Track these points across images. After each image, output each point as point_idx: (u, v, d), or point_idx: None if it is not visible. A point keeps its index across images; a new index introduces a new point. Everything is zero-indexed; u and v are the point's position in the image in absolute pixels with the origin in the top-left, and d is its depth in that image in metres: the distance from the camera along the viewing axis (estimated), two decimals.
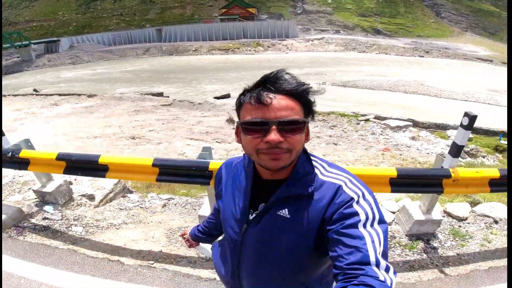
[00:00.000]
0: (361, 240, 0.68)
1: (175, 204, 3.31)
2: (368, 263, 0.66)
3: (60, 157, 2.63)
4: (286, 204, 0.82)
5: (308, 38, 44.06)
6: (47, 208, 3.22)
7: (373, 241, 0.68)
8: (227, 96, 14.75)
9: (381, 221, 0.73)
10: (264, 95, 0.73)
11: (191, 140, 8.48)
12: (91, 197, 3.42)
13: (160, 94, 14.81)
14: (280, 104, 0.73)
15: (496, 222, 3.05)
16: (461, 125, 2.48)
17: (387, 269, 0.66)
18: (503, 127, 10.10)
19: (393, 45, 40.91)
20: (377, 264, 0.66)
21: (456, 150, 2.52)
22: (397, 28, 52.20)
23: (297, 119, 0.73)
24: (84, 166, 2.63)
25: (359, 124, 10.33)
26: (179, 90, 18.05)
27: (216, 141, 8.81)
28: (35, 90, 17.67)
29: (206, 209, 2.68)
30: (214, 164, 2.28)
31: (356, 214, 0.72)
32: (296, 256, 0.84)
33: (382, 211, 2.75)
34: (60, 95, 15.69)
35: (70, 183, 3.59)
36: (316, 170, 0.84)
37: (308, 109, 0.78)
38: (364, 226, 0.71)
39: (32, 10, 64.90)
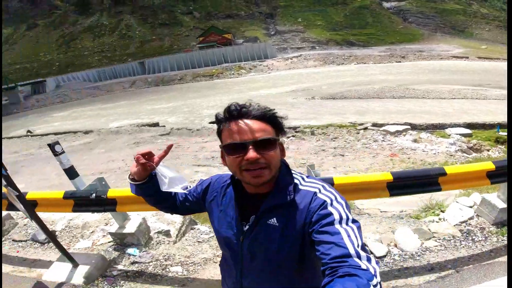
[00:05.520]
0: (338, 235, 0.78)
1: None
2: (349, 255, 0.73)
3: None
4: (273, 213, 0.93)
5: (286, 56, 44.29)
6: (131, 250, 3.00)
7: (349, 236, 0.77)
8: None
9: (354, 221, 0.83)
10: (239, 121, 0.88)
11: (199, 167, 8.28)
12: (167, 233, 3.29)
13: (156, 124, 15.09)
14: (253, 127, 0.87)
15: None
16: None
17: (368, 260, 0.73)
18: (497, 119, 10.03)
19: (369, 54, 40.95)
20: (358, 256, 0.73)
21: None
22: (368, 38, 52.90)
23: (269, 138, 0.88)
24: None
25: (359, 133, 10.20)
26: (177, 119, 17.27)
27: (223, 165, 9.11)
28: (29, 131, 17.53)
29: None
30: None
31: (330, 214, 0.84)
32: (292, 261, 0.93)
33: (459, 207, 3.15)
34: (55, 134, 15.72)
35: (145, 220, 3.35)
36: (296, 181, 0.97)
37: (278, 129, 0.93)
38: (340, 223, 0.81)
39: (13, 53, 65.36)
